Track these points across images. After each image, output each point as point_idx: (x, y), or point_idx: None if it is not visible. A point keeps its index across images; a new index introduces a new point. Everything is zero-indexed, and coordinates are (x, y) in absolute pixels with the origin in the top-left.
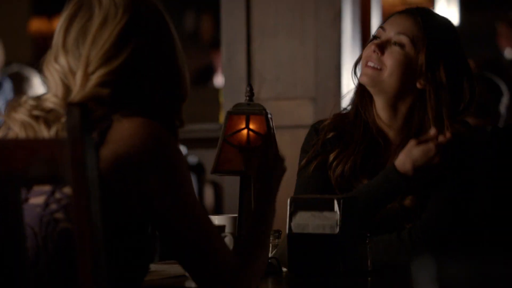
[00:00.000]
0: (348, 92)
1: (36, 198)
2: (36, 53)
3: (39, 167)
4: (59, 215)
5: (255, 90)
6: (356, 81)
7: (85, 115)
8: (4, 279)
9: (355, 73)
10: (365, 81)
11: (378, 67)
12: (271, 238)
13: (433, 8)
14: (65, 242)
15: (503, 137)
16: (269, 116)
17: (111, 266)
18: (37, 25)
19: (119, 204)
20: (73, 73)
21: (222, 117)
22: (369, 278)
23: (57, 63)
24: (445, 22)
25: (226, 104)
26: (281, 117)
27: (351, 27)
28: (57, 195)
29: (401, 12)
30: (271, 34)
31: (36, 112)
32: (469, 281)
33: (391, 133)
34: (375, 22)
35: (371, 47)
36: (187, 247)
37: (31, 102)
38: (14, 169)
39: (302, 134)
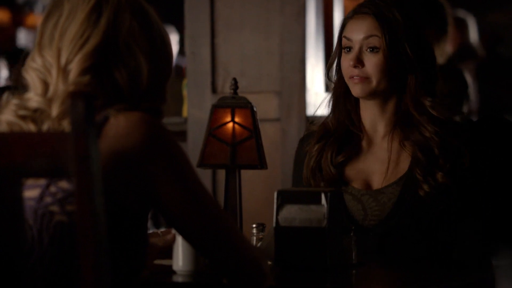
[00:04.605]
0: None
1: (30, 192)
2: None
3: (39, 160)
4: (55, 208)
5: (219, 84)
6: (331, 85)
7: (89, 107)
8: (3, 272)
9: (328, 77)
10: (359, 93)
11: (366, 77)
12: (255, 232)
13: None
14: (60, 235)
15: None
16: (254, 109)
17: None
18: None
19: (116, 198)
20: (49, 69)
21: (185, 111)
22: (353, 271)
23: (34, 62)
24: (396, 4)
25: (190, 98)
26: None
27: (315, 22)
28: (52, 188)
29: (355, 14)
30: (236, 28)
31: (22, 112)
32: None
33: (378, 127)
34: (338, 16)
35: (347, 60)
36: (206, 239)
37: (15, 102)
38: (15, 162)
39: (268, 127)
